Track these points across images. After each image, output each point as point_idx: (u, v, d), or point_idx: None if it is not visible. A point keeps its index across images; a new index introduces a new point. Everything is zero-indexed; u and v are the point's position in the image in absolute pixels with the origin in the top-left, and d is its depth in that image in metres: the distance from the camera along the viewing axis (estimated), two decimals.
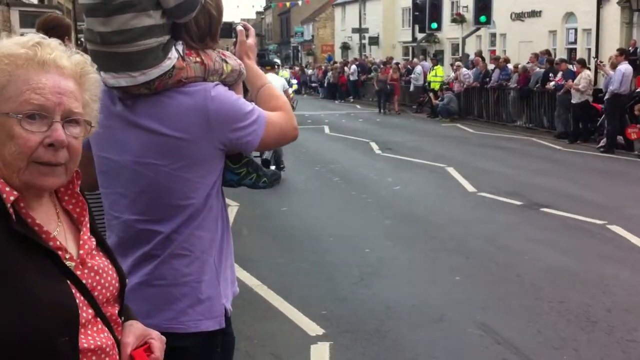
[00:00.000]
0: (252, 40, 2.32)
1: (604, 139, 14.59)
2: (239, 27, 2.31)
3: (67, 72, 1.44)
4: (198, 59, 2.05)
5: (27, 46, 1.41)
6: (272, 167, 2.59)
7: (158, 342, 1.61)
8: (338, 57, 45.65)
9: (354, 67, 32.50)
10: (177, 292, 2.06)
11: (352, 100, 31.82)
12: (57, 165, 1.42)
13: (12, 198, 1.35)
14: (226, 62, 2.13)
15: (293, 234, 7.90)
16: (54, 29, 3.82)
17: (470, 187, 10.44)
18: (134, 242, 2.08)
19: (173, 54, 2.00)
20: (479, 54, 23.92)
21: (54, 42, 1.46)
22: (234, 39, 2.33)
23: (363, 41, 40.90)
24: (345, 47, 47.83)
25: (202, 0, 2.05)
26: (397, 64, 27.95)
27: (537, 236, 7.57)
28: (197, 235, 2.07)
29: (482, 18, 21.59)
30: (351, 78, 32.12)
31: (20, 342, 1.30)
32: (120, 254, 2.08)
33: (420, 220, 8.50)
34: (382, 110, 25.29)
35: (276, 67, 13.49)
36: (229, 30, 2.31)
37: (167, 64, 1.98)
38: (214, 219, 2.11)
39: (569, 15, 25.27)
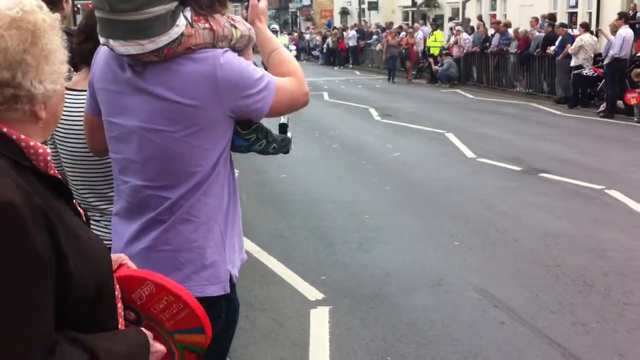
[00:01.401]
0: (264, 4, 2.30)
1: (604, 104, 14.55)
2: None
3: None
4: (207, 25, 2.03)
5: (42, 12, 1.36)
6: (289, 134, 2.57)
7: (129, 260, 1.68)
8: (337, 22, 45.23)
9: (352, 32, 32.19)
10: (182, 258, 2.08)
11: (351, 66, 31.59)
12: None
13: (48, 157, 1.37)
14: (235, 27, 2.11)
15: (293, 200, 7.94)
16: None
17: (469, 153, 10.46)
18: (141, 207, 2.10)
19: (181, 21, 1.98)
20: (479, 18, 23.68)
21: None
22: (245, 3, 2.30)
23: (362, 6, 40.51)
24: (344, 13, 47.34)
25: None
26: (400, 27, 27.62)
27: (535, 201, 7.61)
28: (204, 201, 2.08)
29: None
30: (350, 44, 31.85)
31: (90, 289, 1.33)
32: (127, 219, 2.12)
33: (419, 186, 8.53)
34: (393, 79, 23.74)
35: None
36: None
37: (176, 32, 1.96)
38: (221, 185, 2.12)
39: None
